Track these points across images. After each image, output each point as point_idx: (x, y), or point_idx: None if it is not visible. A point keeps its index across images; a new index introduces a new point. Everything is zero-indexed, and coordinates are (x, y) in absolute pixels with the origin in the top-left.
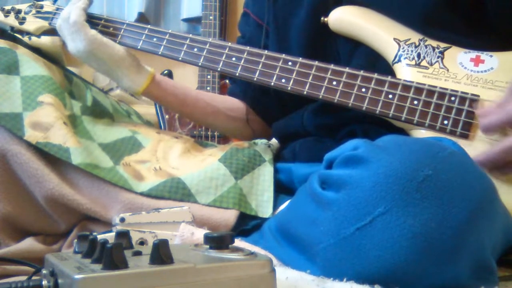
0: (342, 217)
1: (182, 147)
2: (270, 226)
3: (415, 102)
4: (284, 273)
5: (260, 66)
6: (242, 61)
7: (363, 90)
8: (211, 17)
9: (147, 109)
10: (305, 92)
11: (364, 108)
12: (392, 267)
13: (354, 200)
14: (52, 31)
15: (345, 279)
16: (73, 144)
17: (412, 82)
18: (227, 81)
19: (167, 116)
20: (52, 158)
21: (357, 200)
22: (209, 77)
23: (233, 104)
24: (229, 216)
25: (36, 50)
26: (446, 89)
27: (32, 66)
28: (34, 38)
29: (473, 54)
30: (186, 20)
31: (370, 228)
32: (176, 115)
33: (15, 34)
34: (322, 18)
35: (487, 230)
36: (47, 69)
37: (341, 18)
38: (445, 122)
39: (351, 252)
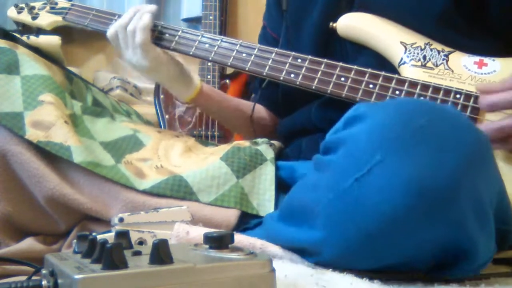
0: (340, 171)
1: (183, 146)
2: (272, 216)
3: (421, 98)
4: (283, 271)
5: (270, 62)
6: (253, 56)
7: (371, 86)
8: (211, 17)
9: (147, 109)
10: (313, 87)
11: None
12: (391, 215)
13: (351, 153)
14: (62, 28)
15: (345, 273)
16: (74, 142)
17: (419, 80)
18: (227, 81)
19: (167, 116)
20: (53, 158)
21: (354, 153)
22: (209, 77)
23: (263, 112)
24: (231, 215)
25: (36, 50)
26: (452, 87)
27: (32, 66)
28: (33, 38)
29: (477, 58)
30: (186, 20)
31: (368, 177)
32: (176, 115)
33: (15, 34)
34: (331, 24)
35: (483, 179)
36: (47, 69)
37: (349, 24)
38: None
39: (351, 204)
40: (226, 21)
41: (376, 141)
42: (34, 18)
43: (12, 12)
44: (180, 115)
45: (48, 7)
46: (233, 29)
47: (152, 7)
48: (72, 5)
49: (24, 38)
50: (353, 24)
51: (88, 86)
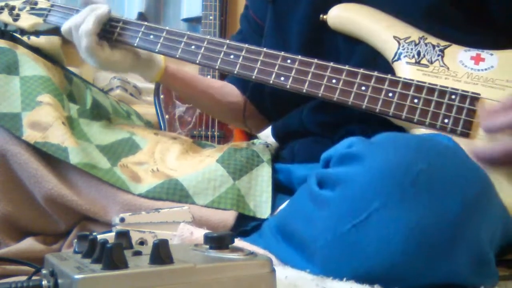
0: (338, 214)
1: (180, 148)
2: (270, 225)
3: (416, 100)
4: (283, 273)
5: (259, 64)
6: (240, 59)
7: (363, 88)
8: (211, 17)
9: (147, 109)
10: (304, 90)
11: (364, 107)
12: (389, 263)
13: (349, 197)
14: (50, 30)
15: (345, 279)
16: (72, 143)
17: (413, 80)
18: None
19: (167, 116)
20: (51, 159)
21: (352, 196)
22: (209, 76)
23: (235, 96)
24: (228, 217)
25: (36, 50)
26: (447, 87)
27: (31, 66)
28: (33, 38)
29: (474, 52)
30: (186, 20)
31: (366, 224)
32: (176, 115)
33: (15, 34)
34: (321, 16)
35: (484, 223)
36: (47, 69)
37: (340, 16)
38: (446, 120)
39: (349, 249)
40: (226, 21)
41: (375, 186)
42: (15, 19)
43: None
44: (180, 115)
45: (28, 7)
46: (233, 29)
47: (105, 8)
48: (52, 5)
49: (24, 38)
50: (345, 15)
51: (88, 86)
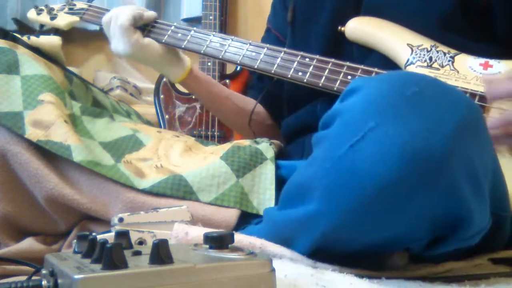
0: (335, 140)
1: (183, 145)
2: (272, 208)
3: None
4: (283, 271)
5: (279, 60)
6: (262, 55)
7: None
8: (211, 17)
9: (147, 109)
10: (320, 84)
11: None
12: (385, 179)
13: (346, 123)
14: (50, 30)
15: (345, 273)
16: (74, 141)
17: None
18: (227, 81)
19: (167, 116)
20: (52, 158)
21: (349, 122)
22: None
23: (258, 108)
24: (231, 215)
25: (36, 50)
26: (457, 86)
27: (32, 66)
28: (33, 38)
29: (482, 60)
30: (186, 20)
31: (362, 143)
32: (176, 115)
33: (15, 34)
34: (339, 27)
35: (476, 149)
36: (47, 69)
37: (357, 28)
38: None
39: (346, 171)
40: (226, 21)
41: (370, 109)
42: (52, 18)
43: (32, 14)
44: (180, 115)
45: (66, 8)
46: (233, 29)
47: (150, 13)
48: (90, 6)
49: (24, 38)
50: (361, 27)
51: (88, 86)
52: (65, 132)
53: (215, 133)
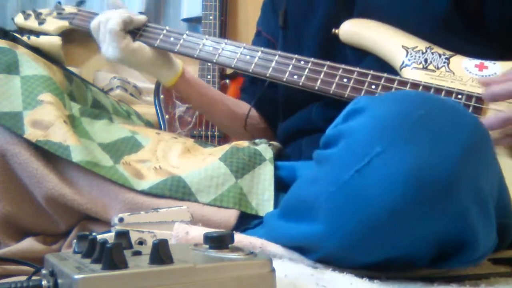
0: (340, 164)
1: (181, 147)
2: (272, 214)
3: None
4: (283, 271)
5: (273, 63)
6: (256, 59)
7: (373, 87)
8: (211, 17)
9: (147, 109)
10: (316, 87)
11: None
12: (391, 206)
13: (351, 146)
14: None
15: (344, 273)
16: (74, 142)
17: (421, 81)
18: (227, 81)
19: (167, 116)
20: (52, 158)
21: (354, 145)
22: (209, 77)
23: (252, 112)
24: (230, 216)
25: (36, 50)
26: (453, 88)
27: (32, 66)
28: (33, 38)
29: (477, 61)
30: (186, 20)
31: (368, 168)
32: (176, 115)
33: (15, 34)
34: (333, 30)
35: (483, 173)
36: (47, 69)
37: (351, 30)
38: None
39: (352, 196)
40: (226, 21)
41: (376, 132)
42: (40, 23)
43: (19, 19)
44: (180, 115)
45: (55, 13)
46: (233, 29)
47: (141, 16)
48: (79, 10)
49: (24, 38)
50: (355, 29)
51: (88, 86)
52: (65, 133)
53: (215, 133)
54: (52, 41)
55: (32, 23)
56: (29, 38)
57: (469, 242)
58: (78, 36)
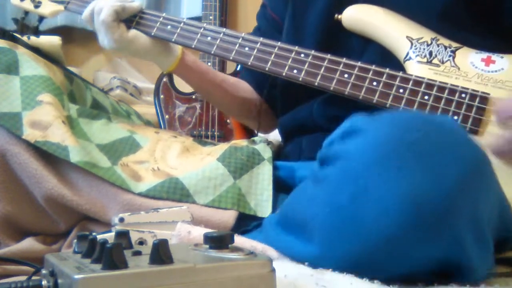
0: (336, 187)
1: (180, 146)
2: (271, 221)
3: (426, 97)
4: (282, 271)
5: (273, 56)
6: (255, 51)
7: (374, 83)
8: (211, 17)
9: (147, 109)
10: (316, 83)
11: (374, 101)
12: (387, 232)
13: (347, 168)
14: (51, 29)
15: (344, 273)
16: (72, 142)
17: (424, 78)
18: None
19: (167, 116)
20: (52, 158)
21: (350, 168)
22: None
23: (249, 92)
24: (228, 217)
25: (36, 50)
26: (457, 86)
27: (31, 66)
28: (33, 38)
29: (484, 54)
30: None
31: (364, 194)
32: (176, 115)
33: (15, 34)
34: (336, 16)
35: (481, 200)
36: (47, 69)
37: (354, 16)
38: (455, 117)
39: (347, 221)
40: (226, 21)
41: (371, 156)
42: (36, 6)
43: (15, 0)
44: (180, 115)
45: None
46: (233, 29)
47: (134, 4)
48: None
49: (24, 38)
50: (359, 16)
51: (88, 86)
52: (63, 133)
53: (215, 133)
54: (52, 41)
55: (28, 5)
56: (29, 38)
57: (465, 268)
58: (78, 36)
